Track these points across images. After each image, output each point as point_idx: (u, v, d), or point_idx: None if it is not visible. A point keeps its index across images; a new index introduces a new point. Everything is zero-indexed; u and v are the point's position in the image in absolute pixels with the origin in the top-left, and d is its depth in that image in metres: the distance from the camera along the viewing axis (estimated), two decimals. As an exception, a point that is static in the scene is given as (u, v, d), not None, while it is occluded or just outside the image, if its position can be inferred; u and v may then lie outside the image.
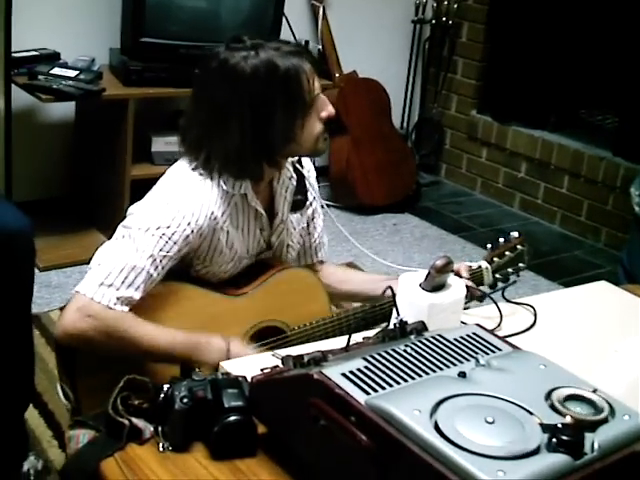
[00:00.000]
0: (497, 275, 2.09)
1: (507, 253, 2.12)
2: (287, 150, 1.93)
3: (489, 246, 2.13)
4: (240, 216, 1.95)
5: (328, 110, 1.94)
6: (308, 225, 2.18)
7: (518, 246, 2.14)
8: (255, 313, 1.96)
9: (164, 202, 1.84)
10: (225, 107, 1.88)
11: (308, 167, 2.15)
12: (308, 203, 2.14)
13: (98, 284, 1.75)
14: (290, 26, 4.19)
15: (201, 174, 1.89)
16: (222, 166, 1.88)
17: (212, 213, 1.87)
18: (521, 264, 2.14)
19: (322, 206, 2.21)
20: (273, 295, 1.98)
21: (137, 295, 1.77)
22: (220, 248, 1.92)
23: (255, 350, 1.83)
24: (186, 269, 1.92)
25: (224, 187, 1.89)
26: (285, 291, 2.00)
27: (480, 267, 2.06)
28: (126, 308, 1.76)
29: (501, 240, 2.14)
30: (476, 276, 2.05)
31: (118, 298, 1.75)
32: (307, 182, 2.12)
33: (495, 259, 2.10)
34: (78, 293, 1.76)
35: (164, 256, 1.80)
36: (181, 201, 1.84)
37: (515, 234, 2.16)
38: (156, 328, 1.79)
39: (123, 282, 1.75)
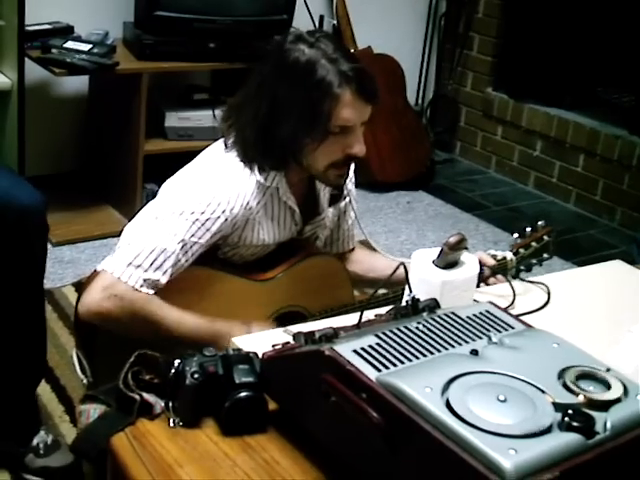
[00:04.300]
0: (521, 267, 2.07)
1: (533, 244, 2.09)
2: (292, 159, 1.87)
3: (516, 235, 2.10)
4: (275, 208, 1.92)
5: (357, 149, 1.84)
6: (339, 218, 2.16)
7: (545, 237, 2.11)
8: (278, 299, 1.95)
9: (200, 186, 1.81)
10: (256, 86, 1.86)
11: None
12: (342, 197, 2.11)
13: (126, 264, 1.74)
14: (305, 0, 4.16)
15: (240, 160, 1.86)
16: (239, 148, 1.86)
17: (248, 203, 1.84)
18: (545, 254, 2.12)
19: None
20: (297, 281, 1.96)
21: (164, 279, 1.76)
22: (251, 237, 1.90)
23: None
24: (213, 251, 1.90)
25: (257, 177, 1.86)
26: (309, 278, 1.99)
27: (505, 258, 2.03)
28: (151, 291, 1.75)
29: (528, 230, 2.11)
30: (500, 266, 2.02)
31: (145, 280, 1.74)
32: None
33: (521, 250, 2.07)
34: (104, 271, 1.75)
35: (195, 242, 1.78)
36: (218, 188, 1.81)
37: (542, 223, 2.13)
38: (181, 313, 1.78)
39: (152, 264, 1.74)
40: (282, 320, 1.92)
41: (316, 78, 1.77)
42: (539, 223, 2.14)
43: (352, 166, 2.03)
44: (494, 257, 2.03)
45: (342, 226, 2.18)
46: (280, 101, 1.80)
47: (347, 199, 2.13)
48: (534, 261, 2.10)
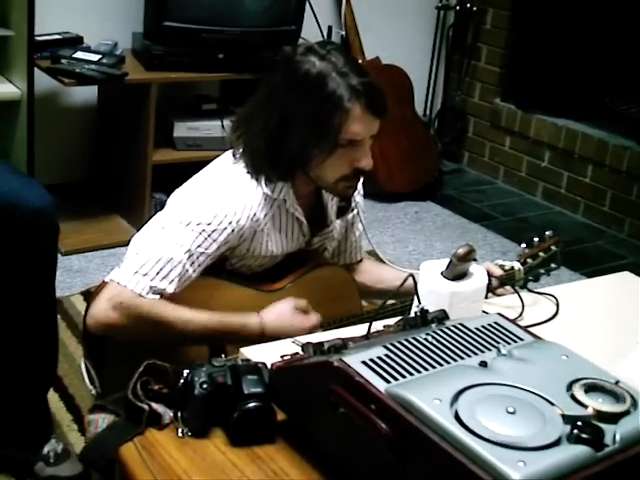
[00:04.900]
0: (529, 277, 2.07)
1: (541, 254, 2.09)
2: (299, 171, 1.88)
3: (523, 246, 2.11)
4: (283, 219, 1.93)
5: (364, 163, 1.84)
6: (346, 229, 2.16)
7: (552, 247, 2.12)
8: None
9: (207, 197, 1.82)
10: (266, 97, 1.86)
11: None
12: (350, 209, 2.11)
13: (132, 272, 1.74)
14: (313, 11, 4.17)
15: (248, 172, 1.86)
16: (247, 159, 1.87)
17: (254, 215, 1.85)
18: (553, 264, 2.12)
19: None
20: (305, 292, 1.96)
21: (170, 289, 1.76)
22: (259, 249, 1.91)
23: (291, 326, 1.82)
24: (221, 262, 1.90)
25: (264, 189, 1.87)
26: (317, 288, 1.99)
27: (513, 268, 2.04)
28: (157, 297, 1.76)
29: (536, 240, 2.12)
30: (508, 277, 2.02)
31: (151, 287, 1.74)
32: None
33: (529, 260, 2.07)
34: (111, 281, 1.75)
35: (201, 253, 1.79)
36: (225, 199, 1.81)
37: (550, 233, 2.14)
38: (190, 311, 1.78)
39: (158, 273, 1.75)
40: None
41: (327, 91, 1.77)
42: (547, 233, 2.14)
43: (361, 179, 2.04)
44: (502, 267, 2.03)
45: (350, 238, 2.18)
46: (290, 113, 1.80)
47: (355, 211, 2.13)
48: (542, 271, 2.10)
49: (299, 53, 1.83)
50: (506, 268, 2.03)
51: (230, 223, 1.81)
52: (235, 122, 1.97)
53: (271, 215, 1.89)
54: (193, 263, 1.78)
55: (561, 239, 2.16)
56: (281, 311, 1.85)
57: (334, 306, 1.99)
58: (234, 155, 1.90)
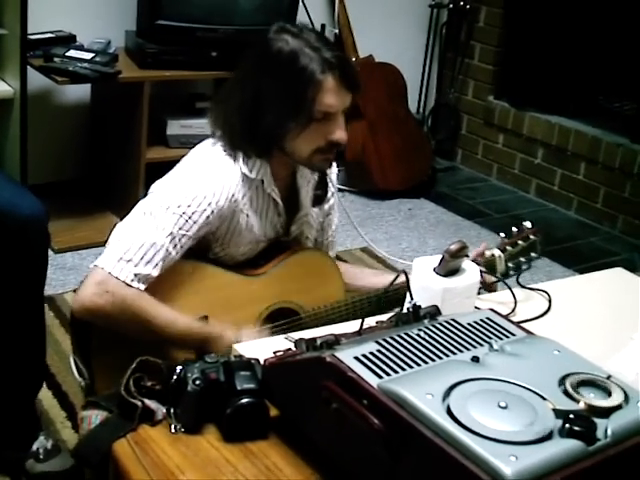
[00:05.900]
0: (509, 264, 2.08)
1: (520, 242, 2.11)
2: (276, 147, 1.90)
3: (502, 235, 2.13)
4: (260, 200, 1.95)
5: (338, 135, 1.87)
6: (323, 221, 2.18)
7: (531, 236, 2.14)
8: (270, 294, 1.97)
9: (186, 181, 1.85)
10: (241, 76, 1.90)
11: None
12: (326, 199, 2.13)
13: (117, 259, 1.76)
14: (307, 9, 4.17)
15: (227, 154, 1.89)
16: (223, 136, 1.89)
17: (233, 195, 1.88)
18: (533, 254, 2.14)
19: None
20: (289, 276, 1.98)
21: (155, 273, 1.78)
22: (239, 230, 1.93)
23: (268, 335, 1.83)
24: (204, 251, 1.93)
25: (242, 169, 1.89)
26: (301, 273, 2.01)
27: (493, 255, 2.06)
28: (143, 286, 1.77)
29: (514, 229, 2.14)
30: (489, 264, 2.04)
31: (136, 275, 1.75)
32: (328, 178, 2.08)
33: (508, 248, 2.10)
34: (96, 267, 1.77)
35: (183, 235, 1.81)
36: (203, 181, 1.85)
37: (528, 224, 2.16)
38: (173, 313, 1.79)
39: (142, 258, 1.76)
40: (275, 316, 1.94)
41: (300, 65, 1.81)
42: (524, 223, 2.16)
43: (335, 169, 2.05)
44: (482, 255, 2.05)
45: (326, 231, 2.21)
46: (265, 88, 1.84)
47: (331, 201, 2.15)
48: (522, 260, 2.12)
49: (273, 31, 1.87)
50: (486, 255, 2.05)
51: (209, 204, 1.83)
52: (213, 103, 2.01)
53: (249, 196, 1.92)
54: (175, 245, 1.80)
55: (540, 229, 2.17)
56: (256, 335, 1.86)
57: (317, 291, 2.01)
58: (213, 135, 1.93)
